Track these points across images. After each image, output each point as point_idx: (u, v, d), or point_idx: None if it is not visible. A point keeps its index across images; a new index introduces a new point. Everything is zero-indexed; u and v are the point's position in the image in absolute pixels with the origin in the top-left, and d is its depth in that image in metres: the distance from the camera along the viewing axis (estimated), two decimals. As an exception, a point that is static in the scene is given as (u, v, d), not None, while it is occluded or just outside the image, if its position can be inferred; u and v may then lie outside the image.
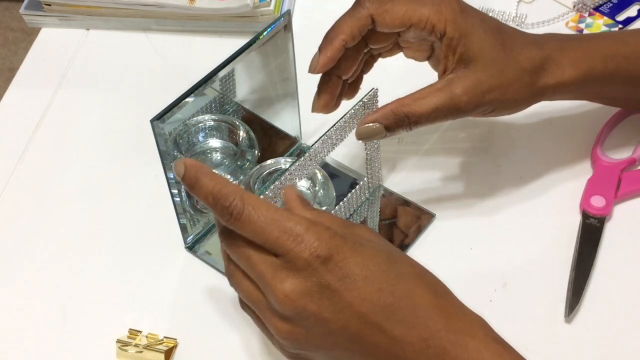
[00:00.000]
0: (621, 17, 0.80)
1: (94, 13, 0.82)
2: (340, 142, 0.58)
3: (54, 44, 0.82)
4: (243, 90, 0.68)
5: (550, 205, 0.66)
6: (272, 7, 0.79)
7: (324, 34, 0.57)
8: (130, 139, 0.73)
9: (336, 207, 0.63)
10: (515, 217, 0.65)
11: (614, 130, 0.70)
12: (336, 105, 0.61)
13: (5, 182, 0.70)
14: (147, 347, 0.58)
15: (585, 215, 0.64)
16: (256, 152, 0.67)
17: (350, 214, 0.65)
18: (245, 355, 0.58)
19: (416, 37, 0.58)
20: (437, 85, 0.56)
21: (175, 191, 0.59)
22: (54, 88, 0.78)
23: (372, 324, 0.46)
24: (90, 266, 0.64)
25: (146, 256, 0.64)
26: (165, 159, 0.56)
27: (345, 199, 0.63)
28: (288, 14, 0.60)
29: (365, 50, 0.60)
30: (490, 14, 0.81)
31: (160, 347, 0.58)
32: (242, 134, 0.67)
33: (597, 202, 0.64)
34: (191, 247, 0.64)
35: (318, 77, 0.60)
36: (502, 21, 0.80)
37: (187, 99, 0.55)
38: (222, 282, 0.62)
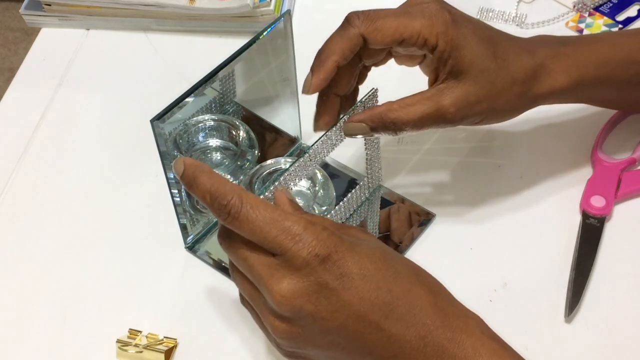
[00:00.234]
0: (621, 17, 0.80)
1: (94, 13, 0.82)
2: (340, 142, 0.58)
3: (54, 44, 0.82)
4: (243, 90, 0.68)
5: (550, 205, 0.66)
6: (272, 7, 0.79)
7: (316, 53, 0.56)
8: (130, 139, 0.73)
9: (336, 207, 0.63)
10: (515, 217, 0.65)
11: (614, 130, 0.70)
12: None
13: (5, 182, 0.70)
14: (147, 347, 0.58)
15: (585, 215, 0.64)
16: (256, 152, 0.67)
17: (350, 214, 0.65)
18: (245, 355, 0.58)
19: (407, 50, 0.58)
20: (427, 94, 0.56)
21: (175, 191, 0.59)
22: (54, 88, 0.78)
23: (371, 322, 0.46)
24: (90, 266, 0.64)
25: (146, 256, 0.64)
26: (165, 159, 0.56)
27: (345, 199, 0.63)
28: (288, 14, 0.60)
29: (359, 65, 0.59)
30: (490, 14, 0.81)
31: (160, 347, 0.58)
32: (242, 134, 0.67)
33: (597, 202, 0.64)
34: (191, 247, 0.64)
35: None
36: (502, 21, 0.81)
37: (187, 99, 0.55)
38: (222, 282, 0.62)
